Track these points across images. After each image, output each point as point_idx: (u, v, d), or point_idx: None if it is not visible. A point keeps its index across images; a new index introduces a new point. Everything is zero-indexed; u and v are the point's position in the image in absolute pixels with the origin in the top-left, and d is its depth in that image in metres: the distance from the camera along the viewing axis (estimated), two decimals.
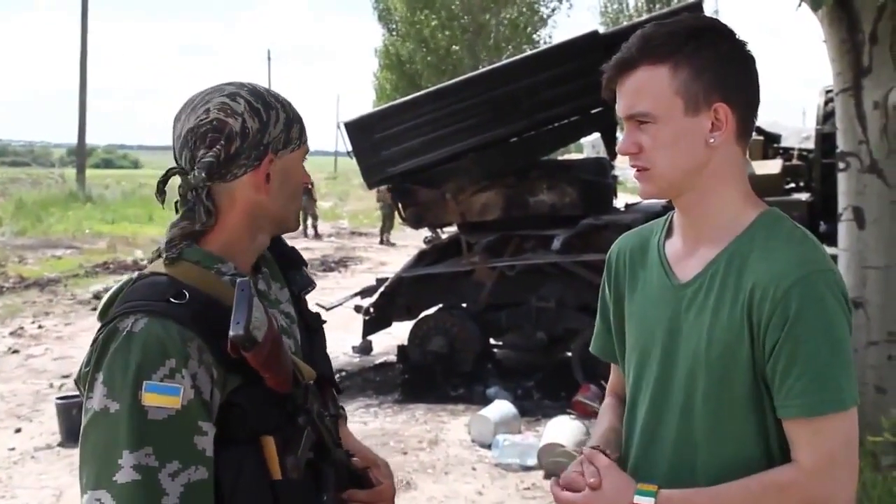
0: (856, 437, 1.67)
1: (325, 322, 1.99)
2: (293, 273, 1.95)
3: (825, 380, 1.61)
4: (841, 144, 5.77)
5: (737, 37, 1.75)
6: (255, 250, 1.80)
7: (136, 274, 1.72)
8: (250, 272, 1.78)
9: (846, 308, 1.67)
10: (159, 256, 1.70)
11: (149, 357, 1.53)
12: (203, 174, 1.65)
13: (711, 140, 1.71)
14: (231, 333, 1.52)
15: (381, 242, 23.64)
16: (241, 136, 1.67)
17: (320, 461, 1.78)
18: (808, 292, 1.62)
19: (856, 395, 1.65)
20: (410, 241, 21.36)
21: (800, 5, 5.31)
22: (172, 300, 1.60)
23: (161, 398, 1.52)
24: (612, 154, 9.97)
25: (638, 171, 1.76)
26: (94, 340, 1.60)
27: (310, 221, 25.39)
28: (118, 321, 1.58)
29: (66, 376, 9.14)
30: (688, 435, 1.75)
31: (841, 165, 5.77)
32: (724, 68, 1.71)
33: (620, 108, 1.75)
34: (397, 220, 13.36)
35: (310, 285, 1.97)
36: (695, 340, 1.73)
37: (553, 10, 34.76)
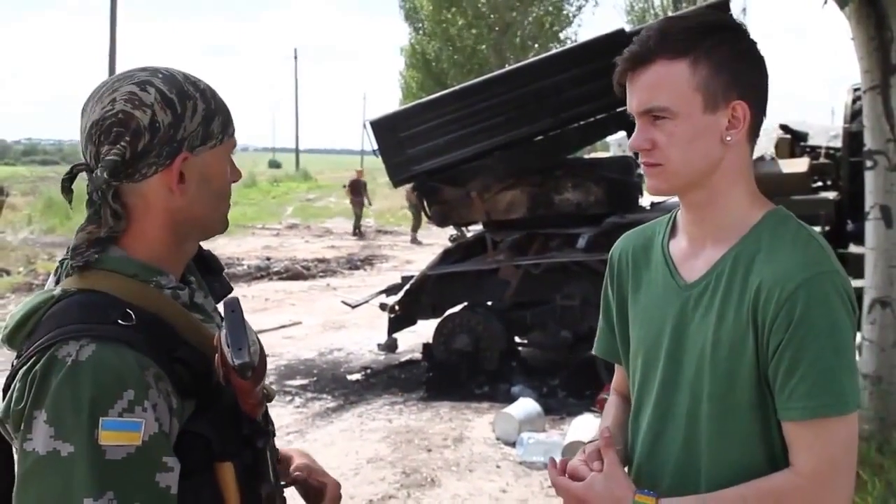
0: (856, 441, 1.64)
1: None
2: (212, 280, 1.75)
3: (829, 383, 1.59)
4: (868, 142, 5.74)
5: (750, 35, 1.74)
6: (184, 259, 1.64)
7: (56, 290, 1.50)
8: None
9: (851, 310, 1.64)
10: (80, 266, 1.51)
11: (103, 389, 1.35)
12: (105, 174, 1.47)
13: (728, 138, 1.69)
14: (237, 362, 1.41)
15: (413, 241, 23.64)
16: (150, 130, 1.48)
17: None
18: (814, 294, 1.59)
19: (858, 399, 1.63)
20: (436, 240, 21.40)
21: (826, 3, 5.29)
22: (120, 322, 1.42)
23: (120, 435, 1.35)
24: None
25: (649, 166, 1.73)
26: (27, 371, 1.39)
27: (355, 221, 25.54)
28: (56, 349, 1.38)
29: None
30: (694, 437, 1.74)
31: (868, 164, 5.74)
32: (742, 66, 1.69)
33: (634, 103, 1.71)
34: (424, 218, 13.34)
35: (229, 293, 1.77)
36: (701, 341, 1.71)
37: (579, 8, 34.66)
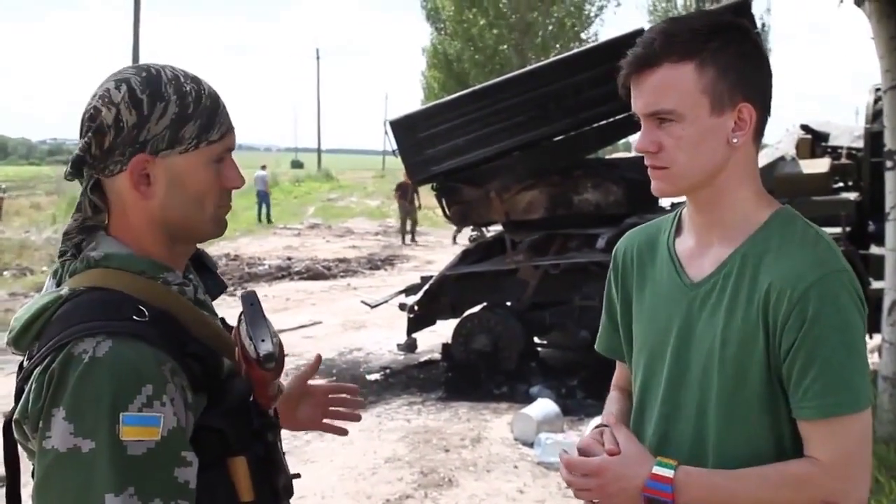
0: (870, 436, 1.67)
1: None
2: (206, 277, 1.74)
3: (842, 381, 1.61)
4: (888, 142, 5.70)
5: (755, 35, 1.74)
6: (183, 257, 1.64)
7: (62, 289, 1.49)
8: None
9: (861, 307, 1.66)
10: (89, 265, 1.52)
11: (123, 385, 1.35)
12: (69, 167, 1.52)
13: (734, 140, 1.69)
14: (262, 353, 1.45)
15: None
16: (113, 129, 1.49)
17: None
18: (825, 294, 1.61)
19: (870, 395, 1.65)
20: (460, 240, 21.40)
21: (842, 1, 5.26)
22: (135, 318, 1.43)
23: (141, 430, 1.35)
24: None
25: (655, 169, 1.73)
26: (43, 370, 1.38)
27: (408, 226, 24.56)
28: (72, 346, 1.37)
29: None
30: (702, 434, 1.74)
31: (888, 164, 5.70)
32: (747, 67, 1.69)
33: (640, 105, 1.72)
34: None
35: (223, 290, 1.78)
36: (709, 340, 1.72)
37: (601, 8, 34.60)
